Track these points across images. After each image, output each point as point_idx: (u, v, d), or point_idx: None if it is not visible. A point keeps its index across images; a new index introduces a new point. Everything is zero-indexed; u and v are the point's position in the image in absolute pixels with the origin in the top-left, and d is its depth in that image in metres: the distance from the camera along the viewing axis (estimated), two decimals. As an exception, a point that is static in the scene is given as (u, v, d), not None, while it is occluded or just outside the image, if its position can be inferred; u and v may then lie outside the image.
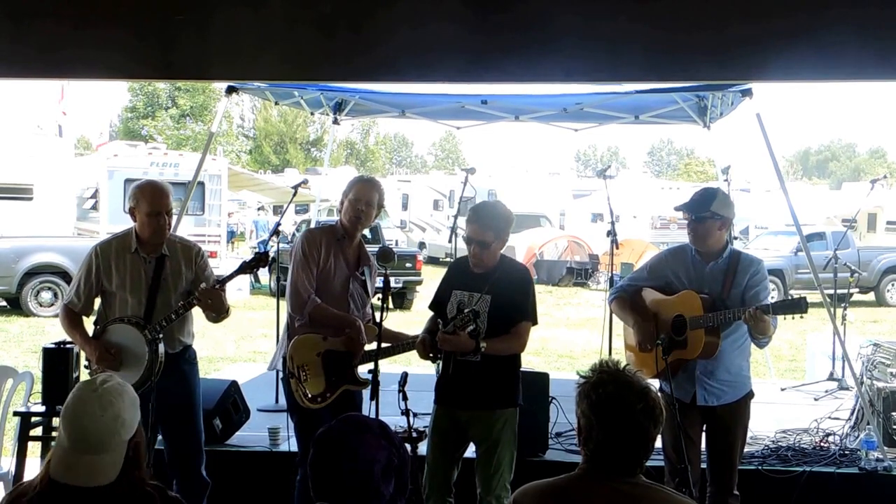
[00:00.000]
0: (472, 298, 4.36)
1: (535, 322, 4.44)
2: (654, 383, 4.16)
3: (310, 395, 4.54)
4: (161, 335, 4.46)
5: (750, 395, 4.60)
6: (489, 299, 4.34)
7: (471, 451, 4.54)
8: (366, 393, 4.40)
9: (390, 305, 4.21)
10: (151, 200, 4.50)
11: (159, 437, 4.67)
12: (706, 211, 4.49)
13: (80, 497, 2.32)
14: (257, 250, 8.53)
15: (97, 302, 4.70)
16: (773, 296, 4.93)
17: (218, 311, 4.58)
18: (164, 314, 4.47)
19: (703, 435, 4.65)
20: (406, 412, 4.02)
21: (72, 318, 4.63)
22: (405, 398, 4.07)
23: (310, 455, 2.34)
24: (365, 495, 2.27)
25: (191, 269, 4.62)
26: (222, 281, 4.57)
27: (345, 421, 2.40)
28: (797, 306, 4.21)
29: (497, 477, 4.30)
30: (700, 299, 4.46)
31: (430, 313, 4.62)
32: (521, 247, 24.44)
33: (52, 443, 5.25)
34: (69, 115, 21.49)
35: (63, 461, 2.34)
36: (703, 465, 4.66)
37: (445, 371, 4.32)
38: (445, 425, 4.43)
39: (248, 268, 4.64)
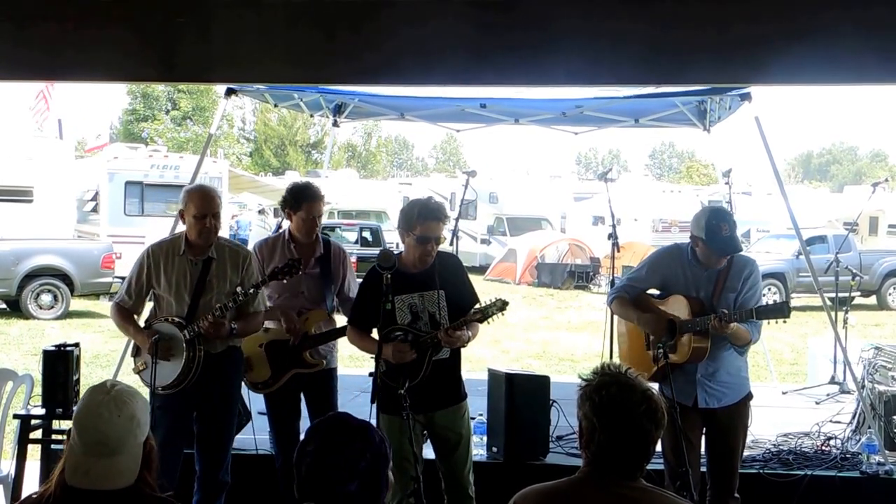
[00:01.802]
0: (425, 298, 4.34)
1: (479, 301, 4.49)
2: (654, 387, 4.21)
3: (255, 383, 5.05)
4: (200, 336, 4.57)
5: (749, 396, 4.61)
6: (444, 294, 4.34)
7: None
8: (366, 396, 4.41)
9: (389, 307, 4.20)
10: (199, 203, 4.61)
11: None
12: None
13: (96, 502, 2.31)
14: None
15: (148, 305, 4.86)
16: (776, 299, 4.90)
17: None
18: (205, 316, 4.57)
19: (703, 438, 4.65)
20: (408, 416, 4.01)
21: (123, 314, 4.79)
22: (406, 401, 4.04)
23: (294, 458, 2.35)
24: (350, 497, 2.27)
25: (237, 274, 4.71)
26: (256, 285, 4.66)
27: (327, 423, 2.40)
28: (780, 311, 4.21)
29: (469, 466, 4.47)
30: (689, 304, 4.47)
31: None
32: (522, 250, 24.44)
33: (52, 446, 5.28)
34: (65, 119, 21.37)
35: (80, 466, 2.32)
36: (703, 469, 4.66)
37: (425, 373, 4.28)
38: (418, 432, 4.37)
39: (280, 274, 4.71)
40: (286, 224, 5.21)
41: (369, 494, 2.33)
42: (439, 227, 4.33)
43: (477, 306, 4.34)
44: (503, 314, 4.30)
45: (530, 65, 4.46)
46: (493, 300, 4.29)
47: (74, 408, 5.04)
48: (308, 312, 4.97)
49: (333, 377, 5.17)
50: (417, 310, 4.33)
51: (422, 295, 4.35)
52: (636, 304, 4.72)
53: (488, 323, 4.35)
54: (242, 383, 4.96)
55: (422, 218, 4.28)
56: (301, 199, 4.96)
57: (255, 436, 5.57)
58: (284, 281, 4.82)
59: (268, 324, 5.02)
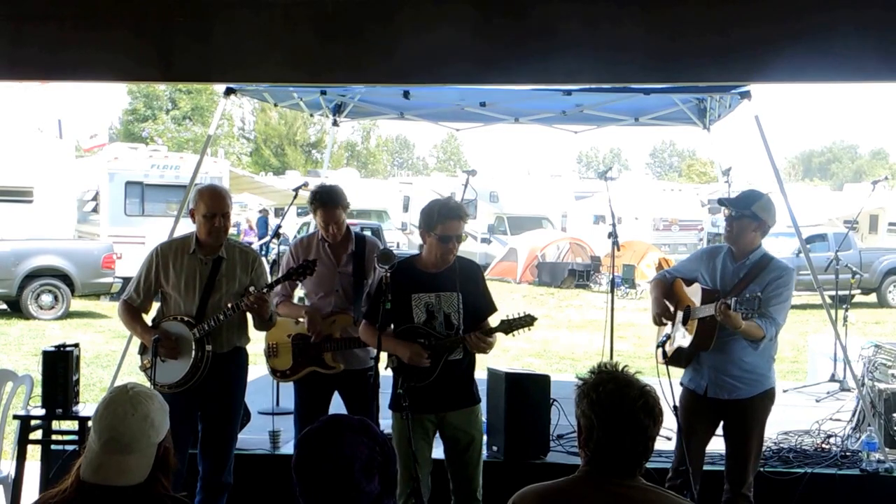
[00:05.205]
0: (442, 299, 4.35)
1: (496, 310, 4.51)
2: (675, 373, 4.41)
3: (276, 371, 5.23)
4: (209, 335, 4.62)
5: (769, 393, 4.56)
6: (461, 297, 4.35)
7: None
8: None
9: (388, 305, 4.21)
10: (209, 202, 4.67)
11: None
12: (747, 210, 4.52)
13: (108, 498, 2.33)
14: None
15: (155, 305, 4.89)
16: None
17: (262, 316, 4.73)
18: (214, 315, 4.60)
19: (721, 433, 4.65)
20: (407, 416, 4.02)
21: (132, 312, 4.82)
22: (405, 400, 4.06)
23: (293, 459, 2.35)
24: (346, 494, 2.26)
25: (247, 275, 4.76)
26: (270, 286, 4.72)
27: (325, 422, 2.40)
28: (751, 305, 4.21)
29: (480, 469, 4.48)
30: (702, 291, 4.53)
31: None
32: (522, 249, 24.45)
33: (52, 446, 5.29)
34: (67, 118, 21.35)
35: (93, 462, 2.36)
36: (707, 467, 4.66)
37: (437, 375, 4.29)
38: (432, 432, 4.42)
39: (295, 275, 4.77)
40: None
41: (388, 491, 2.33)
42: (460, 226, 4.36)
43: (504, 318, 4.35)
44: (529, 329, 4.31)
45: (532, 65, 4.46)
46: (522, 314, 4.30)
47: (75, 408, 5.11)
48: (335, 315, 4.99)
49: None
50: (433, 309, 4.34)
51: (439, 295, 4.36)
52: (663, 285, 4.81)
53: (513, 336, 4.37)
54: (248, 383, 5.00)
55: (442, 217, 4.32)
56: (316, 206, 5.00)
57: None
58: (298, 281, 4.95)
59: (301, 319, 5.12)
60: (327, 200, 4.97)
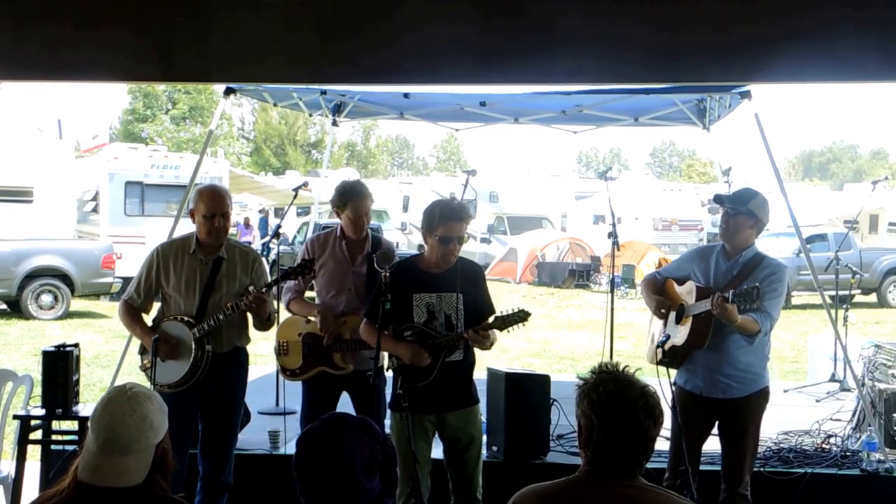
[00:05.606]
0: (443, 299, 4.35)
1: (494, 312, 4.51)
2: (654, 382, 4.28)
3: (286, 369, 5.16)
4: (209, 335, 4.62)
5: (763, 392, 4.55)
6: (462, 298, 4.35)
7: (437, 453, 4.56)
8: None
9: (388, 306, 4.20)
10: (208, 202, 4.67)
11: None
12: (744, 206, 4.51)
13: (105, 499, 2.32)
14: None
15: (156, 305, 4.88)
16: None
17: (260, 316, 4.73)
18: (214, 314, 4.61)
19: (717, 432, 4.65)
20: (406, 416, 4.02)
21: (132, 312, 4.82)
22: (404, 399, 4.06)
23: (293, 457, 2.35)
24: (347, 493, 2.26)
25: (247, 274, 4.76)
26: (268, 286, 4.72)
27: (325, 420, 2.40)
28: (749, 296, 4.20)
29: (479, 469, 4.47)
30: (696, 289, 4.52)
31: None
32: (522, 249, 24.44)
33: (52, 446, 5.29)
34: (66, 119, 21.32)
35: (90, 463, 2.35)
36: (705, 467, 4.65)
37: (435, 375, 4.29)
38: (431, 432, 4.43)
39: (293, 274, 4.77)
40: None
41: (389, 489, 2.33)
42: (461, 227, 4.35)
43: (497, 314, 4.34)
44: (524, 325, 4.31)
45: (532, 64, 4.47)
46: (515, 310, 4.29)
47: (75, 408, 5.11)
48: (347, 316, 4.96)
49: (379, 377, 5.02)
50: (434, 310, 4.35)
51: (440, 296, 4.36)
52: (655, 285, 4.81)
53: (507, 332, 4.36)
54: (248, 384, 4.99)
55: (443, 219, 4.31)
56: (347, 198, 4.99)
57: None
58: (299, 280, 4.95)
59: (312, 317, 5.11)
60: (360, 189, 5.02)
